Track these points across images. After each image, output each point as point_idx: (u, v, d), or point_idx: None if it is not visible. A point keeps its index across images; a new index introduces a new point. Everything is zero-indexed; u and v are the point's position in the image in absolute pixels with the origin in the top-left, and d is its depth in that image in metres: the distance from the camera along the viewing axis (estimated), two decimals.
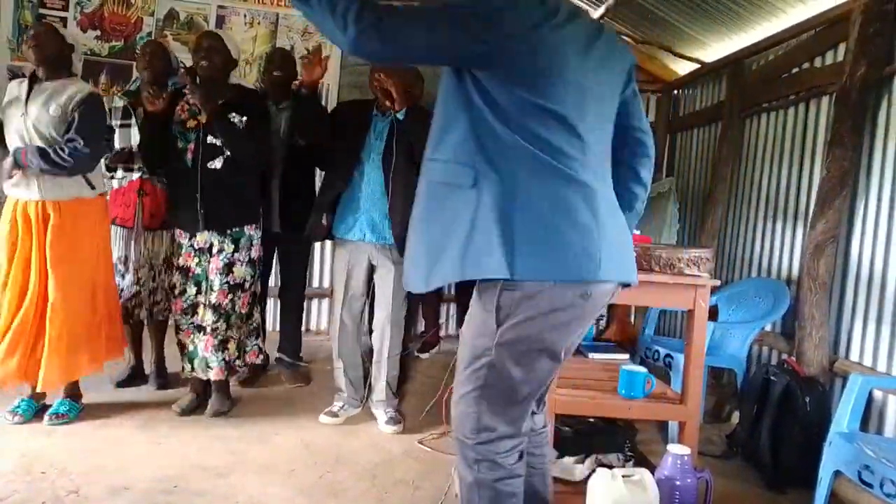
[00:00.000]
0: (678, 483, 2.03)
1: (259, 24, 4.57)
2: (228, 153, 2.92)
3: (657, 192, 4.22)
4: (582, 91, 1.49)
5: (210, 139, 2.91)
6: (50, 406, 2.88)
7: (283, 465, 2.60)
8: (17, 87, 2.81)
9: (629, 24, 4.77)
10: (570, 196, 1.46)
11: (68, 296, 2.76)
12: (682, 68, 4.75)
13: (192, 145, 2.94)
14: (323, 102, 4.30)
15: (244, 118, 2.92)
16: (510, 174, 1.45)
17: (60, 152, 2.65)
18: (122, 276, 3.22)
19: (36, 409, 2.87)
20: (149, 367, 3.43)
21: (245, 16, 4.55)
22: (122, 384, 3.32)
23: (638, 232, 2.62)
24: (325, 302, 4.89)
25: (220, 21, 4.53)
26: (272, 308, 4.12)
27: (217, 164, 2.91)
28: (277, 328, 3.84)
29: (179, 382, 3.30)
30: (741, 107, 3.88)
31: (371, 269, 3.09)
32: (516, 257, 1.43)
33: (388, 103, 2.96)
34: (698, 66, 4.48)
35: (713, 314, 3.49)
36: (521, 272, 1.43)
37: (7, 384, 2.76)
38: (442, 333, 4.81)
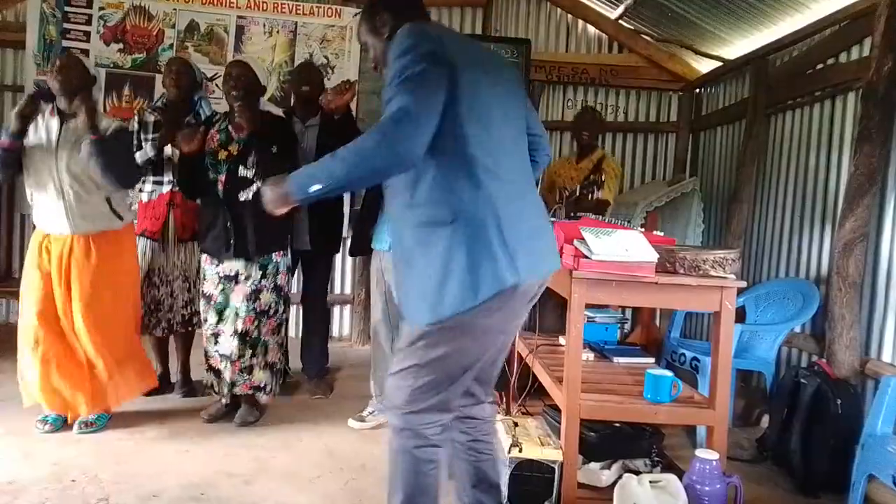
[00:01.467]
0: (707, 488, 1.99)
1: (278, 32, 4.61)
2: (260, 185, 2.93)
3: (681, 193, 4.17)
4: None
5: (241, 171, 2.93)
6: (78, 416, 2.92)
7: (307, 472, 2.60)
8: (44, 125, 2.82)
9: (648, 23, 4.73)
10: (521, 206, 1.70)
11: (102, 328, 2.82)
12: (704, 66, 4.70)
13: (223, 177, 2.95)
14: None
15: (274, 148, 2.95)
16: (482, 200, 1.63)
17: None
18: (157, 288, 3.25)
19: (65, 418, 2.91)
20: (174, 375, 3.47)
21: (264, 25, 4.60)
22: (149, 393, 3.35)
23: (661, 234, 2.58)
24: (347, 308, 4.92)
25: (240, 31, 4.58)
26: (294, 315, 4.15)
27: (247, 195, 2.92)
28: (300, 335, 3.86)
29: (204, 390, 3.33)
30: (765, 104, 3.82)
31: None
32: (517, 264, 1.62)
33: None
34: (720, 63, 4.43)
35: (741, 316, 3.44)
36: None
37: (51, 409, 2.83)
38: None
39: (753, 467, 2.81)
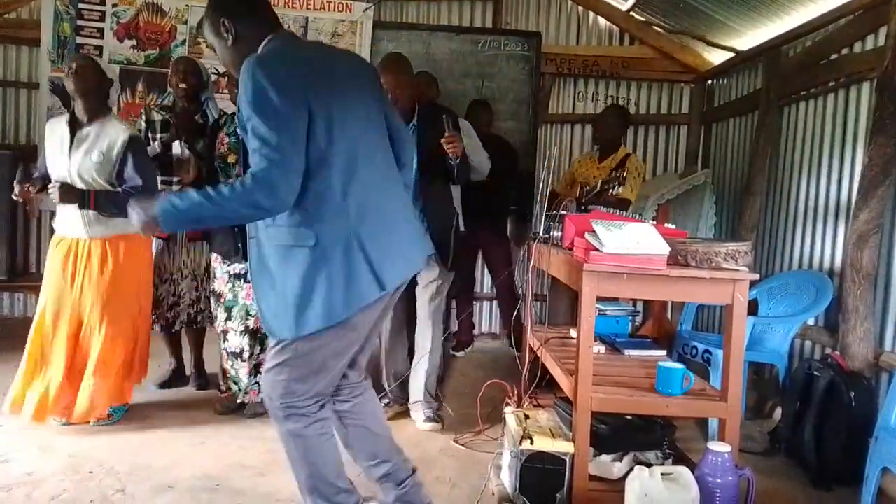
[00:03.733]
0: (719, 481, 2.00)
1: (289, 27, 4.62)
2: None
3: (692, 185, 4.15)
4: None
5: None
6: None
7: None
8: (59, 129, 2.88)
9: (660, 15, 4.70)
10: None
11: (116, 329, 2.86)
12: (716, 58, 4.66)
13: (232, 179, 2.97)
14: None
15: None
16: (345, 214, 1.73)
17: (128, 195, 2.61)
18: (157, 287, 3.27)
19: None
20: (188, 368, 3.51)
21: None
22: (163, 385, 3.41)
23: (673, 227, 2.58)
24: None
25: None
26: None
27: None
28: None
29: (218, 386, 3.36)
30: (778, 95, 3.79)
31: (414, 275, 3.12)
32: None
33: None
34: (733, 54, 4.39)
35: (753, 308, 3.42)
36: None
37: (59, 415, 2.85)
38: (476, 332, 4.81)
39: (766, 460, 2.81)
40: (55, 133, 2.88)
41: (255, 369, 3.03)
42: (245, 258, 2.96)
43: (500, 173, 4.07)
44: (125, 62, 4.48)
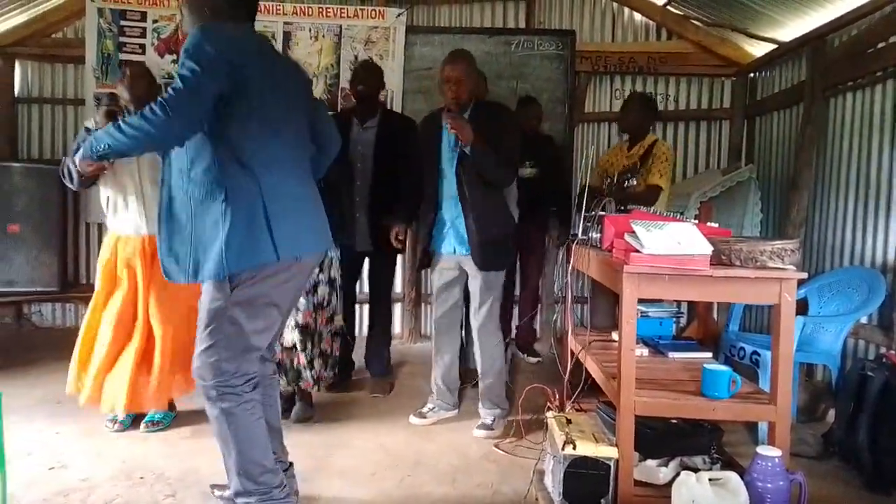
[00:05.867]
0: (769, 486, 1.94)
1: (323, 36, 4.69)
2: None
3: (736, 181, 4.05)
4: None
5: None
6: (146, 414, 3.04)
7: (364, 469, 2.65)
8: None
9: (696, 8, 4.61)
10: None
11: (172, 325, 2.93)
12: (758, 50, 4.54)
13: None
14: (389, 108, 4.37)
15: None
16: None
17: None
18: None
19: (133, 417, 3.04)
20: None
21: (310, 30, 4.68)
22: None
23: (716, 225, 2.52)
24: (398, 306, 4.95)
25: (287, 37, 4.68)
26: (359, 315, 4.24)
27: None
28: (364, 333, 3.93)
29: None
30: (824, 86, 3.67)
31: (465, 277, 3.12)
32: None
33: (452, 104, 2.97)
34: (775, 46, 4.27)
35: (803, 307, 3.32)
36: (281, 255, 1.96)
37: (121, 410, 2.92)
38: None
39: (819, 464, 2.72)
40: None
41: (310, 363, 3.08)
42: None
43: (545, 174, 4.05)
44: (166, 76, 4.60)
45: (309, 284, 3.05)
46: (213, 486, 2.36)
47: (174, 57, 4.63)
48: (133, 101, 2.92)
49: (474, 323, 3.10)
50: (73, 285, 4.77)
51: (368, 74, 3.54)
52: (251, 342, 2.03)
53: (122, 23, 4.61)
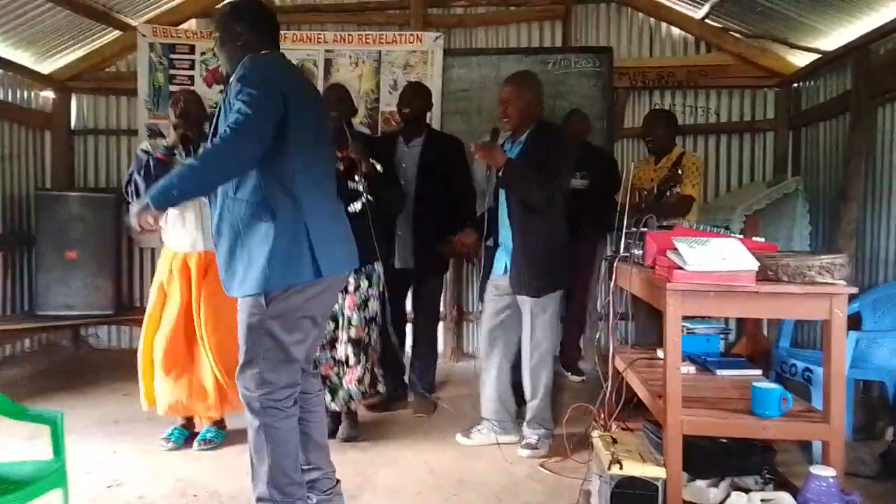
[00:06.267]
0: None
1: (363, 62, 4.80)
2: (369, 198, 3.08)
3: (783, 194, 3.97)
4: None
5: (351, 185, 3.09)
6: (198, 433, 3.13)
7: (409, 488, 2.67)
8: (181, 149, 3.13)
9: (736, 20, 4.56)
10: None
11: (228, 338, 2.97)
12: (801, 60, 4.47)
13: None
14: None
15: (379, 165, 3.10)
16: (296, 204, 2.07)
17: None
18: None
19: (186, 436, 3.13)
20: None
21: (350, 56, 4.80)
22: None
23: (762, 240, 2.48)
24: (440, 325, 4.96)
25: (329, 64, 4.81)
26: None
27: (357, 206, 3.07)
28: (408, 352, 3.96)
29: None
30: (871, 95, 3.58)
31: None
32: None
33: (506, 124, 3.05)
34: (818, 55, 4.20)
35: (856, 322, 3.22)
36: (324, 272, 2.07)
37: (177, 413, 3.06)
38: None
39: (877, 484, 2.62)
40: (179, 148, 3.10)
41: (360, 379, 3.13)
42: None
43: (594, 188, 4.03)
44: (214, 106, 4.74)
45: (360, 299, 3.13)
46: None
47: (221, 87, 4.80)
48: (188, 129, 3.04)
49: (525, 344, 3.09)
50: (128, 308, 4.94)
51: (415, 96, 3.64)
52: (291, 353, 2.11)
53: (172, 56, 4.81)
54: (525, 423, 3.12)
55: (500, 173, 2.94)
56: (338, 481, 2.38)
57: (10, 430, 3.02)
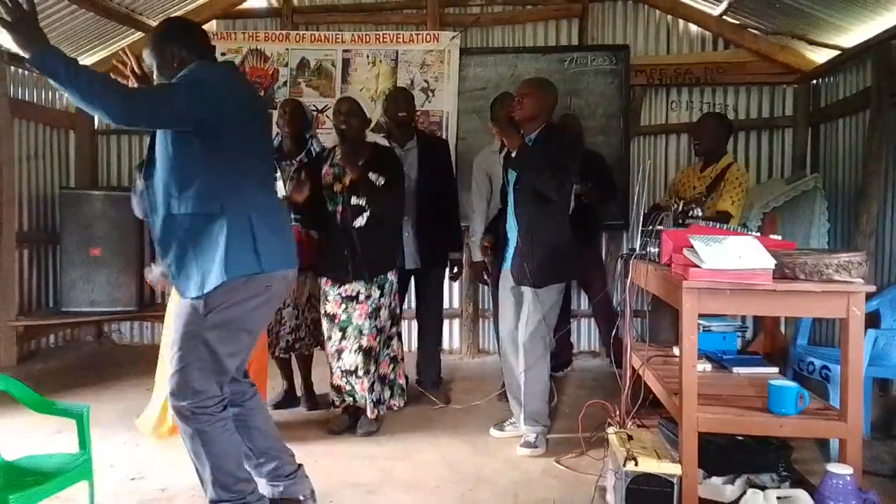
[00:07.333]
0: None
1: (381, 62, 4.83)
2: (369, 211, 3.14)
3: (801, 191, 3.95)
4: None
5: (354, 200, 3.15)
6: None
7: (427, 483, 2.70)
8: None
9: (754, 16, 4.54)
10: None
11: None
12: (820, 56, 4.43)
13: (339, 207, 3.19)
14: (445, 130, 4.48)
15: (382, 178, 3.13)
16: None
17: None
18: (279, 312, 3.47)
19: None
20: (299, 390, 3.71)
21: (368, 56, 4.84)
22: (277, 406, 3.61)
23: (779, 238, 2.48)
24: (456, 322, 5.01)
25: (346, 64, 4.85)
26: (406, 330, 4.31)
27: (361, 221, 3.15)
28: (414, 349, 4.01)
29: (327, 404, 3.53)
30: (891, 91, 3.55)
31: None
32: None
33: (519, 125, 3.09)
34: (838, 52, 4.16)
35: (875, 321, 3.20)
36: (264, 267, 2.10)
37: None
38: (574, 350, 4.76)
39: (895, 482, 2.61)
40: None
41: (371, 386, 3.17)
42: (355, 278, 3.14)
43: (593, 188, 4.04)
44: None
45: (371, 307, 3.15)
46: None
47: None
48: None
49: (519, 338, 3.11)
50: (150, 305, 5.02)
51: (409, 100, 3.73)
52: (224, 365, 2.13)
53: None
54: (523, 421, 3.13)
55: (513, 154, 2.98)
56: (300, 465, 2.43)
57: (37, 424, 3.10)
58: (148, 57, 2.21)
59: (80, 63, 1.86)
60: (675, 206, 3.10)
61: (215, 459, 2.13)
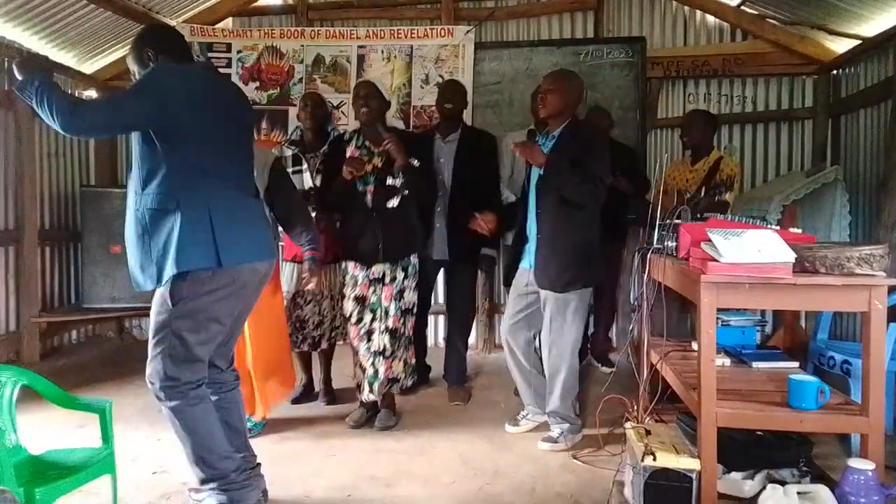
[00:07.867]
0: (862, 500, 1.88)
1: (395, 57, 4.84)
2: (406, 192, 3.17)
3: (821, 183, 3.89)
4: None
5: (389, 181, 3.17)
6: None
7: (444, 477, 2.71)
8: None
9: (773, 6, 4.48)
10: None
11: (260, 342, 3.08)
12: (841, 46, 4.36)
13: (371, 187, 3.21)
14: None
15: (416, 160, 3.16)
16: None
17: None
18: (302, 308, 3.49)
19: None
20: (318, 384, 3.73)
21: (382, 52, 4.85)
22: (296, 401, 3.64)
23: (800, 231, 2.45)
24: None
25: (361, 60, 4.86)
26: (433, 324, 4.32)
27: (394, 202, 3.18)
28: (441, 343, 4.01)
29: (345, 398, 3.55)
30: None
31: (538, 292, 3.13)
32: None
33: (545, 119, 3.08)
34: (858, 42, 4.09)
35: None
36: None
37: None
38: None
39: None
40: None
41: (392, 367, 3.21)
42: (385, 259, 3.18)
43: (619, 185, 4.01)
44: (251, 102, 4.85)
45: (396, 290, 3.20)
46: (190, 490, 2.47)
47: (257, 83, 4.90)
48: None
49: (544, 339, 3.09)
50: None
51: (457, 92, 3.73)
52: (195, 353, 2.19)
53: (210, 54, 4.90)
54: (548, 416, 3.13)
55: (542, 172, 2.95)
56: (258, 464, 2.47)
57: (61, 419, 3.16)
58: (129, 62, 2.30)
59: (56, 85, 2.03)
60: (690, 192, 3.08)
61: (193, 437, 2.20)
